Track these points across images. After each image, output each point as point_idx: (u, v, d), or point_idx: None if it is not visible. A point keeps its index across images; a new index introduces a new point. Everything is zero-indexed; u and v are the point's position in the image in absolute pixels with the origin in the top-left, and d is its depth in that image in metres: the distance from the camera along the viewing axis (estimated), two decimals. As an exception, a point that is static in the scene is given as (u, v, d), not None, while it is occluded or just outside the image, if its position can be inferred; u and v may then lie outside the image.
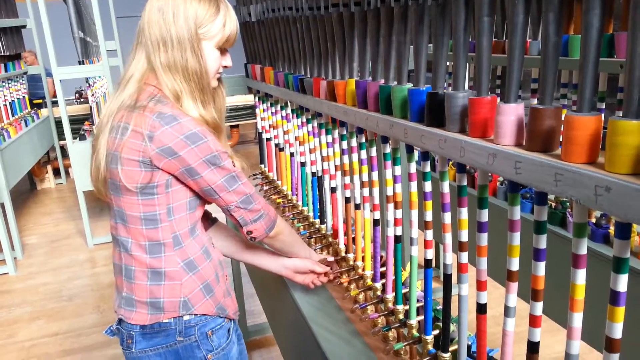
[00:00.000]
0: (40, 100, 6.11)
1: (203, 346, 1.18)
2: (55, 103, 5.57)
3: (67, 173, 6.31)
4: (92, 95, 4.55)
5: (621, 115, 0.56)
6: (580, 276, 0.67)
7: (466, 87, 1.19)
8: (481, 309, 0.87)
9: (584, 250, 0.66)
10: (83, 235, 4.43)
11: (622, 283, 0.61)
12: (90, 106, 4.53)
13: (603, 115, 1.75)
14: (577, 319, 0.68)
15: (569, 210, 1.81)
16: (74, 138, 4.20)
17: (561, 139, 0.64)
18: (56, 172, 6.25)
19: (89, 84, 4.64)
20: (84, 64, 4.33)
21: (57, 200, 5.67)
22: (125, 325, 1.18)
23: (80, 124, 5.22)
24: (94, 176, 1.17)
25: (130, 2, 10.43)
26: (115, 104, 1.14)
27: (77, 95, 6.66)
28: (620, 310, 0.62)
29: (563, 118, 0.63)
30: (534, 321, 0.75)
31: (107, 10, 5.56)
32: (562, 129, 0.64)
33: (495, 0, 0.74)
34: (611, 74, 1.71)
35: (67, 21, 4.36)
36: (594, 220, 1.79)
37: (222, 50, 1.18)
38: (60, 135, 5.78)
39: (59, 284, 3.70)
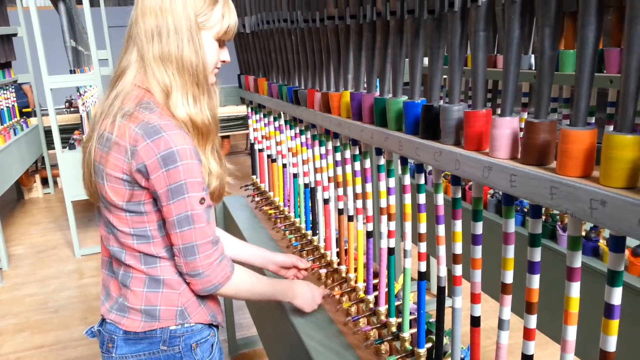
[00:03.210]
0: (29, 109, 6.06)
1: (186, 358, 1.15)
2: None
3: (55, 183, 6.25)
4: (83, 104, 4.53)
5: (614, 129, 0.57)
6: (575, 289, 0.67)
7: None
8: (475, 321, 0.87)
9: (578, 263, 0.66)
10: (71, 245, 4.37)
11: (617, 296, 0.61)
12: (81, 115, 4.50)
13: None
14: (572, 332, 0.68)
15: (559, 223, 1.82)
16: (64, 147, 4.16)
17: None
18: (44, 182, 6.19)
19: (80, 93, 4.62)
20: (75, 72, 4.30)
21: (45, 210, 5.61)
22: (107, 328, 1.15)
23: (69, 133, 5.17)
24: (86, 181, 1.14)
25: (123, 11, 10.48)
26: (107, 104, 1.09)
27: (67, 104, 6.62)
28: (615, 323, 0.62)
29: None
30: (528, 334, 0.76)
31: (99, 19, 5.56)
32: (556, 143, 0.64)
33: (491, 15, 0.75)
34: (600, 89, 1.74)
35: (57, 29, 4.36)
36: (583, 233, 1.81)
37: (221, 43, 1.13)
38: (49, 145, 5.74)
39: (45, 295, 3.64)
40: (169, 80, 1.06)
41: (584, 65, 0.59)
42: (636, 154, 0.55)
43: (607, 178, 0.57)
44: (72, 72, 4.29)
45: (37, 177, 6.07)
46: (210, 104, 1.14)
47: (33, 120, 5.66)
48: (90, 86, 4.81)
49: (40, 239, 4.73)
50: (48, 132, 5.61)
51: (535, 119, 0.66)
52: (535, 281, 0.73)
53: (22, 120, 5.31)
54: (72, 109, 6.51)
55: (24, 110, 5.93)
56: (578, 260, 0.66)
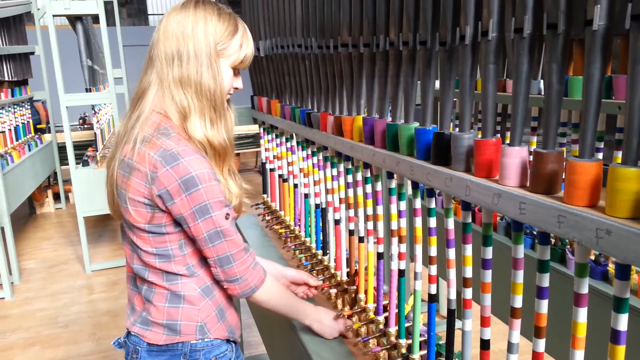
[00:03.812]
0: (44, 125, 6.17)
1: None
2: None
3: (67, 198, 6.32)
4: (98, 121, 4.61)
5: (620, 161, 0.59)
6: (582, 314, 0.69)
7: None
8: (485, 344, 0.88)
9: (585, 290, 0.68)
10: (81, 261, 4.42)
11: (623, 322, 0.63)
12: (95, 133, 4.58)
13: (602, 153, 1.78)
14: (579, 356, 0.70)
15: (569, 247, 1.83)
16: (77, 163, 4.23)
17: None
18: (56, 197, 6.27)
19: (94, 111, 4.71)
20: (91, 91, 4.40)
21: (56, 225, 5.67)
22: (132, 340, 1.20)
23: (83, 150, 5.26)
24: (109, 200, 1.19)
25: (137, 30, 10.67)
26: (129, 125, 1.13)
27: (80, 121, 6.74)
28: (621, 349, 0.64)
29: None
30: (536, 358, 0.77)
31: (114, 38, 5.67)
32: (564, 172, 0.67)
33: (501, 48, 0.78)
34: (609, 114, 1.76)
35: (72, 48, 4.46)
36: (592, 257, 1.81)
37: (235, 71, 1.18)
38: (63, 161, 5.83)
39: (55, 310, 3.67)
40: (187, 103, 1.10)
41: (590, 100, 0.62)
42: (640, 186, 0.58)
43: (612, 208, 0.59)
44: (87, 90, 4.37)
45: (50, 193, 6.16)
46: (227, 126, 1.18)
47: (47, 137, 5.76)
48: (105, 104, 4.90)
49: (52, 253, 4.78)
50: (61, 149, 5.71)
51: (544, 150, 0.69)
52: (544, 306, 0.75)
53: (37, 136, 5.41)
54: (85, 126, 6.63)
55: (38, 126, 6.04)
56: (585, 287, 0.68)
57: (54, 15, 3.78)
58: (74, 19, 4.27)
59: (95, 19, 4.04)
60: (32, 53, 5.32)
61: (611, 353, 0.65)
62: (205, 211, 1.07)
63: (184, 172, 1.04)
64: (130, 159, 1.08)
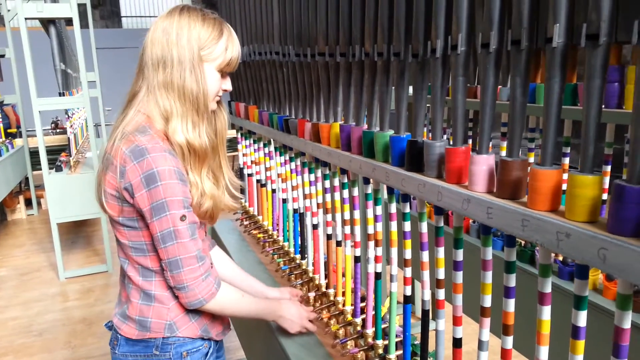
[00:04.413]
0: (14, 130, 6.06)
1: None
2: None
3: (39, 204, 6.21)
4: (71, 126, 4.55)
5: (579, 169, 0.64)
6: (546, 312, 0.73)
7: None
8: (457, 343, 0.92)
9: (548, 289, 0.73)
10: (55, 268, 4.35)
11: (582, 318, 0.68)
12: (69, 137, 4.51)
13: (568, 157, 1.84)
14: (544, 352, 0.75)
15: (537, 248, 1.90)
16: (50, 169, 4.17)
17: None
18: (27, 203, 6.15)
19: (68, 115, 4.64)
20: (64, 95, 4.34)
21: (28, 231, 5.56)
22: (115, 328, 1.27)
23: (55, 155, 5.19)
24: (97, 194, 1.21)
25: (110, 33, 10.53)
26: (116, 125, 1.18)
27: (52, 125, 6.63)
28: (581, 344, 0.68)
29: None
30: (505, 355, 0.82)
31: (88, 42, 5.61)
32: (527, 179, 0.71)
33: (469, 62, 0.82)
34: (575, 120, 1.84)
35: (44, 51, 4.39)
36: (561, 258, 1.89)
37: (223, 73, 1.22)
38: (34, 166, 5.73)
39: (28, 318, 3.61)
40: (169, 106, 1.14)
41: (550, 112, 0.66)
42: (596, 192, 0.62)
43: (571, 213, 0.64)
44: (61, 94, 4.31)
45: (21, 198, 6.04)
46: (215, 129, 1.23)
47: (18, 141, 5.65)
48: (78, 108, 4.84)
49: (24, 261, 4.69)
50: (33, 153, 5.62)
51: (509, 158, 0.73)
52: (511, 305, 0.79)
53: (7, 141, 5.31)
54: (57, 130, 6.53)
55: (8, 130, 5.92)
56: (548, 286, 0.73)
57: (26, 19, 3.73)
58: (46, 22, 4.21)
59: (69, 21, 3.99)
60: (3, 56, 5.22)
61: (572, 348, 0.69)
62: (161, 209, 1.09)
63: (148, 167, 1.08)
64: (109, 154, 1.14)
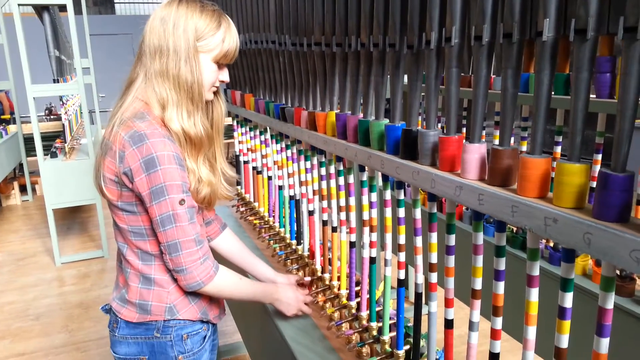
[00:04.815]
0: (8, 116, 6.03)
1: (176, 347, 1.27)
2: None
3: (33, 190, 6.21)
4: (66, 112, 4.54)
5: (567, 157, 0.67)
6: (534, 294, 0.77)
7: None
8: (448, 324, 0.96)
9: (536, 272, 0.76)
10: (50, 253, 4.37)
11: (568, 300, 0.71)
12: (63, 124, 4.51)
13: (560, 146, 1.87)
14: (532, 332, 0.78)
15: (529, 234, 1.94)
16: (45, 155, 4.17)
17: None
18: (22, 189, 6.15)
19: (62, 102, 4.63)
20: (58, 82, 4.33)
21: (23, 217, 5.57)
22: (113, 311, 1.29)
23: (50, 141, 5.18)
24: (95, 179, 1.23)
25: (103, 19, 10.44)
26: (114, 111, 1.21)
27: (46, 112, 6.60)
28: (567, 324, 0.72)
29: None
30: (494, 334, 0.85)
31: (81, 28, 5.57)
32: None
33: (463, 54, 0.85)
34: (568, 110, 1.87)
35: (37, 36, 4.37)
36: (552, 244, 1.93)
37: (220, 64, 1.23)
38: (29, 152, 5.72)
39: (25, 303, 3.64)
40: (165, 94, 1.16)
41: (540, 103, 0.69)
42: (583, 180, 0.65)
43: (559, 199, 0.67)
44: (55, 81, 4.30)
45: (16, 185, 6.03)
46: (204, 119, 1.24)
47: (12, 128, 5.63)
48: (73, 95, 4.83)
49: (19, 246, 4.71)
50: (27, 140, 5.61)
51: (500, 147, 0.76)
52: (501, 287, 0.83)
53: (2, 127, 5.29)
54: (51, 117, 6.50)
55: (2, 117, 5.90)
56: (536, 269, 0.76)
57: (19, 5, 3.71)
58: (40, 9, 4.18)
59: (62, 7, 3.97)
60: (-5, 42, 5.18)
61: (558, 327, 0.73)
62: (161, 193, 1.11)
63: (147, 152, 1.10)
64: (108, 140, 1.16)
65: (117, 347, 1.28)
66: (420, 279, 1.06)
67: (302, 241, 1.72)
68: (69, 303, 3.61)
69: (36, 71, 4.19)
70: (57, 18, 4.76)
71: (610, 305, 0.66)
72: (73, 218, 5.43)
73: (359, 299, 1.33)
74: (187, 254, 1.16)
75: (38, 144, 3.93)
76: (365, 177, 1.22)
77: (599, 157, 1.79)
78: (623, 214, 0.60)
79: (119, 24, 10.10)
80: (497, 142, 2.07)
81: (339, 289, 1.46)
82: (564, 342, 0.73)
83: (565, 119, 1.98)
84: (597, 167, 1.75)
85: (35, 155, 4.04)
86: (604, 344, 0.67)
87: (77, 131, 5.41)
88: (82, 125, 5.78)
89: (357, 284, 1.38)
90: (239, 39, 1.25)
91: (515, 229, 2.11)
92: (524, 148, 2.07)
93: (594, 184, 1.65)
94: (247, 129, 2.18)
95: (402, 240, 1.10)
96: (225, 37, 1.20)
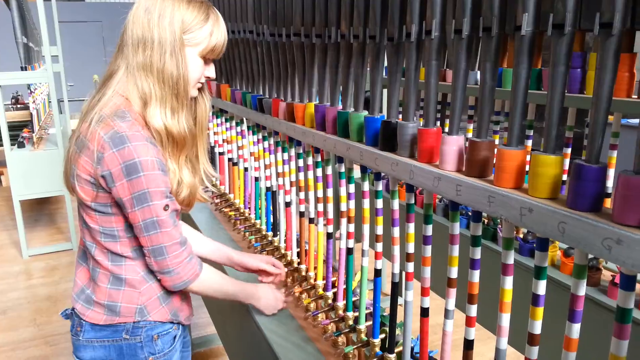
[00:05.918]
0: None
1: (146, 348, 1.23)
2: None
3: (-1, 181, 6.04)
4: (34, 101, 4.42)
5: (542, 149, 0.69)
6: (508, 282, 0.79)
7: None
8: (424, 312, 0.98)
9: (511, 261, 0.78)
10: (17, 246, 4.27)
11: (542, 287, 0.74)
12: (31, 113, 4.39)
13: (532, 140, 1.92)
14: (505, 319, 0.81)
15: (499, 226, 1.99)
16: (12, 145, 4.06)
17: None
18: (-13, 180, 5.97)
19: (30, 90, 4.51)
20: (26, 69, 4.21)
21: (-12, 209, 5.42)
22: (77, 314, 1.23)
23: (17, 131, 5.03)
24: (65, 174, 1.18)
25: (73, 6, 10.17)
26: (92, 104, 1.14)
27: (13, 100, 6.40)
28: (540, 310, 0.74)
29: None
30: (469, 322, 0.87)
31: (50, 15, 5.42)
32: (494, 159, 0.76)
33: (442, 46, 0.86)
34: (539, 104, 1.91)
35: (4, 24, 4.24)
36: (521, 235, 1.98)
37: (207, 60, 1.18)
38: (-5, 142, 5.55)
39: (-9, 296, 3.55)
40: (148, 89, 1.11)
41: (517, 96, 0.71)
42: (557, 171, 0.68)
43: (534, 190, 0.69)
44: (23, 68, 4.18)
45: (-20, 175, 5.86)
46: (189, 117, 1.19)
47: (-23, 116, 5.45)
48: (41, 83, 4.70)
49: (-15, 239, 4.58)
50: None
51: (477, 139, 0.78)
52: (476, 276, 0.85)
53: (-34, 115, 5.11)
54: (18, 106, 6.32)
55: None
56: (511, 258, 0.78)
57: (-15, -12, 3.59)
58: (6, -7, 4.05)
59: (30, -7, 3.85)
60: (-41, 27, 5.00)
61: (532, 314, 0.75)
62: (143, 199, 1.07)
63: (129, 156, 1.05)
64: (84, 137, 1.10)
65: (81, 352, 1.23)
66: (397, 269, 1.07)
67: (278, 232, 1.72)
68: (38, 296, 3.53)
69: (3, 58, 4.07)
70: (25, 4, 4.61)
71: (582, 292, 0.68)
72: (41, 210, 5.30)
73: (335, 290, 1.34)
74: (173, 257, 1.14)
75: (5, 134, 3.82)
76: (343, 169, 1.23)
77: (569, 150, 1.84)
78: (596, 204, 0.62)
79: (89, 11, 9.84)
80: (470, 135, 2.11)
81: (315, 279, 1.47)
82: (537, 328, 0.75)
83: (537, 113, 2.03)
84: (567, 161, 1.80)
85: (2, 145, 3.93)
86: (575, 329, 0.69)
87: (45, 121, 5.27)
88: (51, 115, 5.64)
89: (334, 269, 1.39)
90: (226, 34, 1.20)
91: (486, 221, 2.16)
92: (497, 141, 2.12)
93: (565, 177, 1.70)
94: (223, 120, 2.17)
95: (379, 231, 1.11)
96: (213, 31, 1.15)
